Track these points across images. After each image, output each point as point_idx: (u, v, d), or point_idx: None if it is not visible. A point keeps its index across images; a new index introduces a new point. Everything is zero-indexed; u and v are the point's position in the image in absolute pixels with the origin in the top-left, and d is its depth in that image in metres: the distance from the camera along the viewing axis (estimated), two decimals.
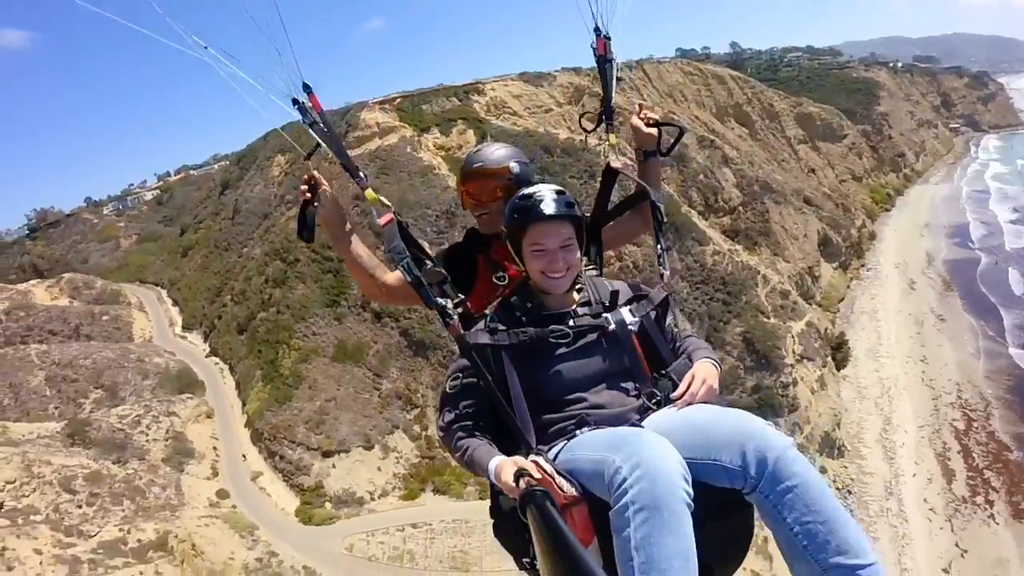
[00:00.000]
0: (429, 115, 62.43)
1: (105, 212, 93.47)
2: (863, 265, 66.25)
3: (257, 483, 33.76)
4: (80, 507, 27.64)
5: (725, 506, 1.85)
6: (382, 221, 2.61)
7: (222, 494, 32.30)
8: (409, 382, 41.11)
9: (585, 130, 3.14)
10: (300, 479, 33.72)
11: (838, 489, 37.38)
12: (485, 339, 2.26)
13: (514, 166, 2.82)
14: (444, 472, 32.43)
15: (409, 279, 2.44)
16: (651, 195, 2.70)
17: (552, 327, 2.25)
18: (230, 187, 77.05)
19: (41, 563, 22.83)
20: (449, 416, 2.28)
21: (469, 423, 2.22)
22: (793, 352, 44.48)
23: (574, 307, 2.35)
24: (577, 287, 2.41)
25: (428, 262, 2.75)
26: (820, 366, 45.17)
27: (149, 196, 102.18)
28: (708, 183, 60.73)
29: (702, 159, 62.08)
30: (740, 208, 60.00)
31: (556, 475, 1.85)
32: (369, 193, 2.66)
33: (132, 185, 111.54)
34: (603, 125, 3.11)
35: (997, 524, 34.56)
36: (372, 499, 32.80)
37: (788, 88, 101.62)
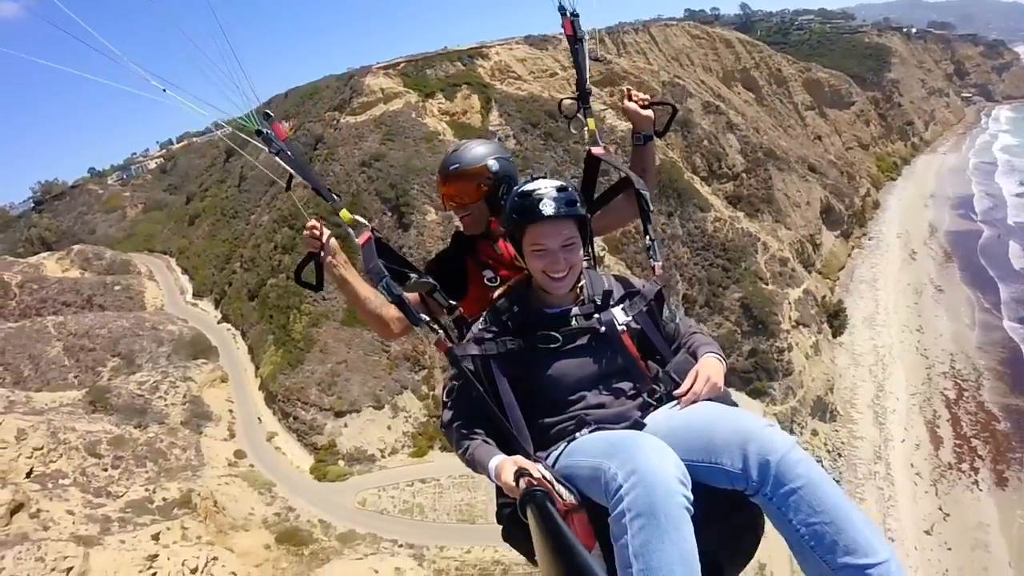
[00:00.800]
0: (433, 80, 62.03)
1: (109, 182, 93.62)
2: (865, 234, 66.67)
3: (272, 443, 35.31)
4: (106, 470, 28.95)
5: (731, 505, 1.84)
6: (360, 240, 2.57)
7: (239, 454, 33.85)
8: (416, 344, 42.25)
9: (566, 117, 3.01)
10: (314, 438, 35.26)
11: (827, 452, 38.87)
12: (473, 350, 2.27)
13: (492, 164, 2.80)
14: None
15: (390, 299, 2.40)
16: (635, 183, 2.65)
17: (540, 333, 2.24)
18: (234, 154, 77.36)
19: (74, 523, 23.95)
20: (449, 415, 2.31)
21: (469, 422, 2.24)
22: (789, 318, 45.47)
23: (573, 307, 2.33)
24: (579, 284, 2.38)
25: (413, 275, 2.74)
26: (815, 332, 46.21)
27: (153, 165, 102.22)
28: (712, 149, 60.77)
29: (707, 125, 61.96)
30: (743, 175, 60.18)
31: (555, 482, 1.86)
32: (344, 213, 2.62)
33: (135, 154, 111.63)
34: (582, 111, 3.00)
35: (980, 490, 35.83)
36: (383, 456, 34.33)
37: (798, 52, 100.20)
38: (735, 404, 2.14)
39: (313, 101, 70.72)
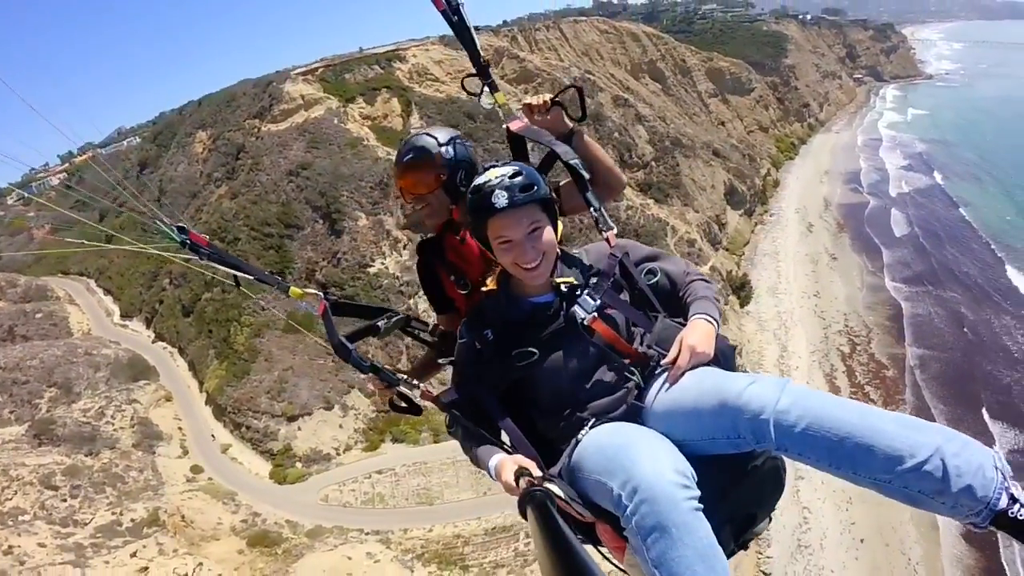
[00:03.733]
0: (353, 84, 62.53)
1: (10, 203, 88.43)
2: (767, 211, 72.50)
3: (228, 455, 36.04)
4: (65, 500, 28.95)
5: (748, 462, 1.87)
6: (318, 312, 2.62)
7: (196, 469, 34.54)
8: (359, 344, 43.76)
9: (469, 93, 2.79)
10: (269, 445, 36.31)
11: None
12: (453, 396, 2.32)
13: (446, 151, 2.70)
14: (399, 423, 35.80)
15: (363, 372, 2.47)
16: (561, 154, 2.46)
17: (516, 352, 2.18)
18: (149, 166, 75.08)
19: (48, 553, 24.20)
20: (451, 420, 2.34)
21: (471, 427, 2.26)
22: None
23: (554, 294, 2.23)
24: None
25: (380, 322, 2.83)
26: (723, 304, 51.18)
27: (55, 181, 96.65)
28: (622, 140, 64.75)
29: (617, 117, 65.81)
30: (652, 163, 64.62)
31: (571, 501, 1.84)
32: (294, 291, 2.70)
33: (34, 170, 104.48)
34: (485, 87, 2.75)
35: None
36: (338, 454, 35.78)
37: (702, 41, 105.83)
38: (732, 358, 2.16)
39: (231, 109, 69.60)
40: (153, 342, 50.91)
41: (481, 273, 2.62)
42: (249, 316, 45.28)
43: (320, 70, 64.82)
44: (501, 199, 2.07)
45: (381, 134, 57.43)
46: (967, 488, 1.52)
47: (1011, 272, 54.43)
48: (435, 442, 33.38)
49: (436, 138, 2.76)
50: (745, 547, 1.94)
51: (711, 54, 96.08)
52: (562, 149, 2.47)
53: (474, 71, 2.73)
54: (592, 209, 2.40)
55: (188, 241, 2.69)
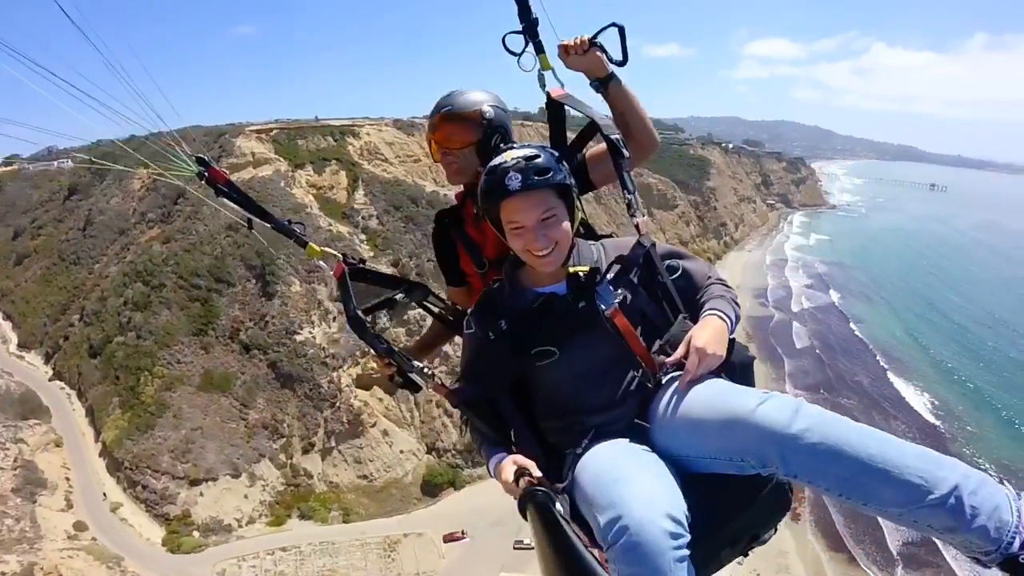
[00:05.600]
0: (304, 151, 63.99)
1: None
2: None
3: (118, 514, 34.55)
4: None
5: (755, 491, 1.75)
6: (334, 274, 2.44)
7: (80, 526, 32.94)
8: (276, 412, 43.51)
9: (510, 51, 2.47)
10: (166, 508, 35.11)
11: None
12: (467, 392, 2.19)
13: (487, 110, 2.49)
14: (309, 498, 35.68)
15: (377, 353, 2.30)
16: (601, 128, 2.28)
17: (535, 350, 2.04)
18: (79, 192, 72.70)
19: None
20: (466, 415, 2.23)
21: (482, 417, 2.16)
22: None
23: (563, 286, 2.07)
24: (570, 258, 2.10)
25: (398, 295, 2.74)
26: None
27: None
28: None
29: None
30: None
31: (564, 519, 1.70)
32: (311, 248, 2.51)
33: None
34: (530, 46, 2.45)
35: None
36: (241, 526, 34.98)
37: None
38: (750, 370, 2.03)
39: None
40: (50, 380, 48.48)
41: (498, 252, 2.46)
42: (163, 367, 44.39)
43: (275, 131, 66.43)
44: (514, 181, 1.94)
45: (325, 204, 58.96)
46: (981, 528, 1.47)
47: (896, 381, 61.05)
48: (344, 521, 33.46)
49: (479, 97, 2.55)
50: (746, 554, 1.89)
51: (642, 170, 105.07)
52: (603, 121, 2.32)
53: (520, 27, 2.45)
54: (626, 191, 2.22)
55: (206, 174, 2.48)
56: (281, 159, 61.25)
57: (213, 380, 43.69)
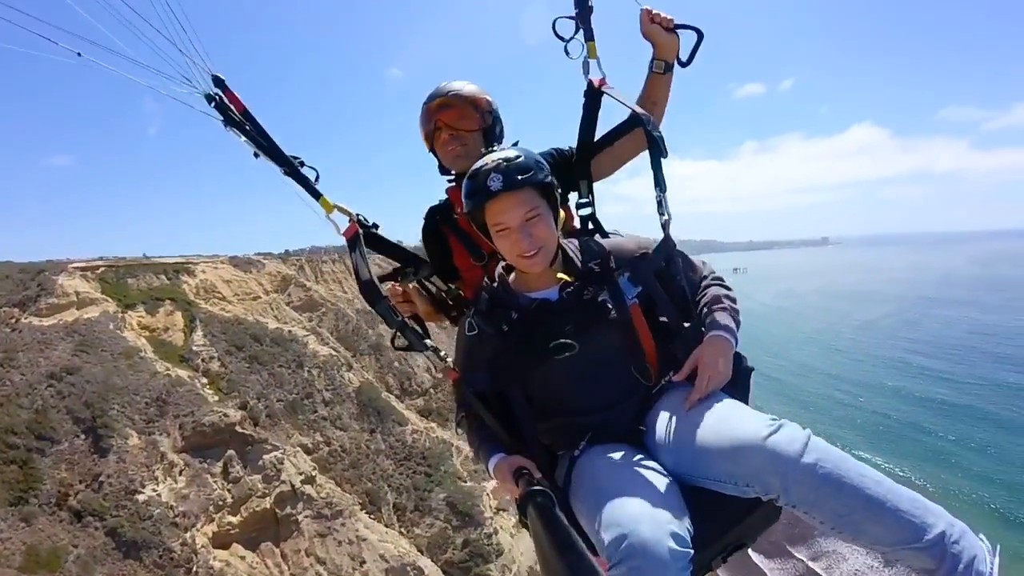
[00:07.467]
0: (135, 291, 60.32)
1: None
2: None
3: None
4: None
5: (752, 508, 1.76)
6: (346, 234, 2.23)
7: None
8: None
9: (559, 36, 2.48)
10: None
11: None
12: (481, 382, 2.11)
13: (493, 101, 2.54)
14: None
15: (393, 326, 2.16)
16: (645, 124, 2.23)
17: (554, 344, 1.98)
18: None
19: None
20: (461, 413, 2.25)
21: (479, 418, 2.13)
22: (490, 507, 55.25)
23: (556, 289, 2.04)
24: (555, 260, 2.07)
25: (412, 268, 2.66)
26: (514, 514, 56.28)
27: None
28: (402, 369, 71.95)
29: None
30: (431, 390, 72.46)
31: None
32: (324, 200, 2.25)
33: None
34: (580, 32, 2.49)
35: None
36: None
37: None
38: (747, 381, 2.00)
39: None
40: None
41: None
42: None
43: (102, 269, 61.90)
44: (496, 182, 1.90)
45: (160, 347, 55.20)
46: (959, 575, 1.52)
47: None
48: None
49: (480, 88, 2.53)
50: (726, 560, 1.87)
51: None
52: (646, 117, 2.24)
53: (573, 12, 2.47)
54: (659, 189, 2.13)
55: (218, 97, 2.12)
56: (109, 299, 56.69)
57: (39, 558, 36.87)
